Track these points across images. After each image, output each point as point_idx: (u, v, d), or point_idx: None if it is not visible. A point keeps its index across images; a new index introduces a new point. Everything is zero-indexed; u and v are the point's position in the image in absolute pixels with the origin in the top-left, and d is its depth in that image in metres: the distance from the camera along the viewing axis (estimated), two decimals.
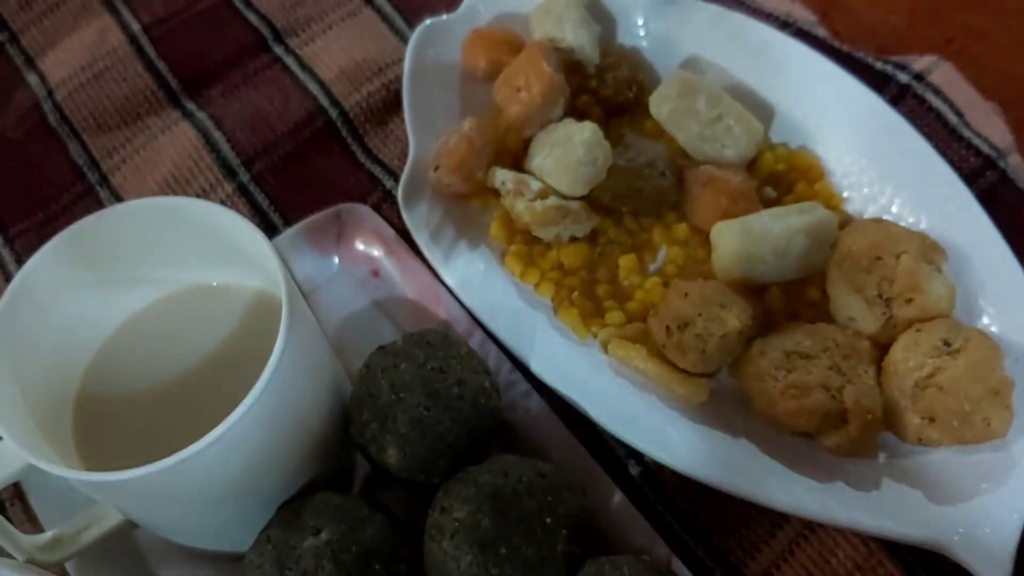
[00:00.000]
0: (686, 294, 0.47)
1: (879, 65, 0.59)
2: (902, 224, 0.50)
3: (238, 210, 0.57)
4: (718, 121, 0.53)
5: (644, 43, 0.58)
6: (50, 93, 0.64)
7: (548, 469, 0.41)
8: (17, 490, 0.47)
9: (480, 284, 0.50)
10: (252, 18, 0.65)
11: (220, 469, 0.36)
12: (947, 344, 0.44)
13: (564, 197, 0.51)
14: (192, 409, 0.40)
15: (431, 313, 0.51)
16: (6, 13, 0.68)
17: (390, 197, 0.57)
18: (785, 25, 0.60)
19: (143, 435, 0.41)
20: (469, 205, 0.53)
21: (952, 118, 0.57)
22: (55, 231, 0.40)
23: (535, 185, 0.51)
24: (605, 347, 0.49)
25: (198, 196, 0.58)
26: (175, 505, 0.38)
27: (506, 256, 0.51)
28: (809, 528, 0.46)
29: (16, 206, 0.59)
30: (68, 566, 0.42)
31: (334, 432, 0.43)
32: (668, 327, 0.46)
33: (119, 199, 0.59)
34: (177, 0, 0.67)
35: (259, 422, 0.36)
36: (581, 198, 0.51)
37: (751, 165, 0.54)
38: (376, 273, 0.53)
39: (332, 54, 0.63)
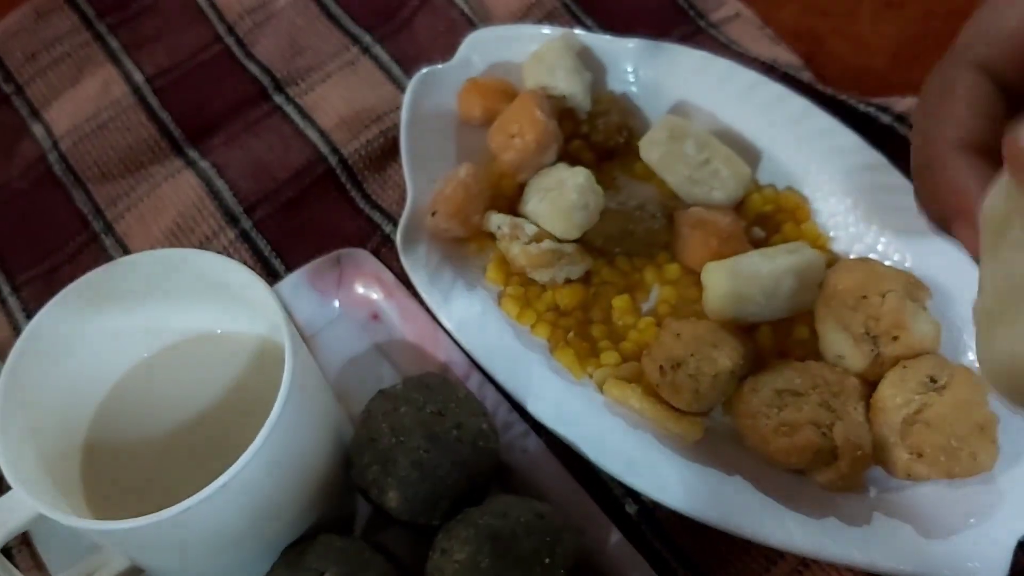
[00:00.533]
0: (678, 334, 0.48)
1: (862, 107, 0.60)
2: (887, 263, 0.51)
3: (240, 256, 0.58)
4: (706, 164, 0.54)
5: (634, 89, 0.60)
6: (55, 143, 0.65)
7: (546, 509, 0.42)
8: (24, 536, 0.48)
9: (477, 326, 0.50)
10: (253, 68, 0.67)
11: (225, 516, 0.37)
12: (933, 380, 0.45)
13: (558, 240, 0.52)
14: (198, 456, 0.41)
15: (430, 355, 0.52)
16: (12, 65, 0.69)
17: (389, 241, 0.58)
18: (771, 70, 0.62)
19: (150, 482, 0.41)
20: (466, 249, 0.54)
21: None
22: (61, 279, 0.40)
23: (530, 229, 0.52)
24: (601, 387, 0.49)
25: (201, 243, 0.59)
26: (181, 551, 0.39)
27: (502, 298, 0.52)
28: (804, 564, 0.46)
29: (23, 255, 0.60)
30: None
31: (336, 476, 0.44)
32: (662, 367, 0.47)
33: (124, 247, 0.60)
34: (180, 51, 0.68)
35: (263, 469, 0.37)
36: (575, 241, 0.53)
37: (739, 206, 0.55)
38: (376, 316, 0.54)
39: (331, 102, 0.64)
